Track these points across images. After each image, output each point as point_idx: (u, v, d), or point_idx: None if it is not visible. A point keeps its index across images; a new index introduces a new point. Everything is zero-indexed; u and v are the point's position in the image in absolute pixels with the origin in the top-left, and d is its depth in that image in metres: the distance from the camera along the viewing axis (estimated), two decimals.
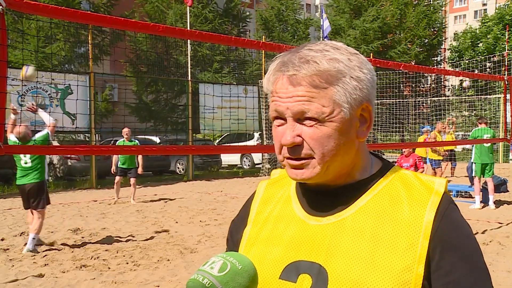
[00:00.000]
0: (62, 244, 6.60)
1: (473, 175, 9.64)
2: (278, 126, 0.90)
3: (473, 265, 0.86)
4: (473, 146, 9.98)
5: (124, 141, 10.27)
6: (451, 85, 29.95)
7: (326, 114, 0.86)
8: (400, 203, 0.89)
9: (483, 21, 31.39)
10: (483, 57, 25.53)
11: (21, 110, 11.54)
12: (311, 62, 0.86)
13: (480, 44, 29.62)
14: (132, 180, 10.48)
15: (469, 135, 20.20)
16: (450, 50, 31.42)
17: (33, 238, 6.17)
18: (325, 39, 17.75)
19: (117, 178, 10.44)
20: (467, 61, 25.89)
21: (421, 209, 0.88)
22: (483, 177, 9.52)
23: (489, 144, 9.44)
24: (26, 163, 6.28)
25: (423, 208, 0.88)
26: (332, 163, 0.89)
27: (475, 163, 9.53)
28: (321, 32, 19.27)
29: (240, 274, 0.82)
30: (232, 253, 0.85)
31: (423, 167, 10.07)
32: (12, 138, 6.18)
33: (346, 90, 0.87)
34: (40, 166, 6.36)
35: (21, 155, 6.17)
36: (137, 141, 10.78)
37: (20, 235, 7.15)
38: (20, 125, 6.37)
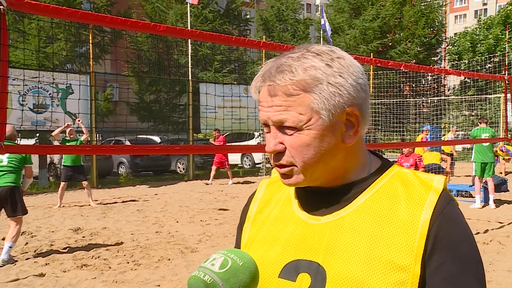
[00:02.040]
0: (63, 244, 6.62)
1: (473, 174, 9.62)
2: (267, 132, 0.93)
3: (468, 264, 0.86)
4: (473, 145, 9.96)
5: (66, 138, 9.72)
6: (453, 84, 29.95)
7: (303, 122, 0.87)
8: (398, 202, 0.89)
9: (485, 22, 31.34)
10: (483, 57, 25.52)
11: (22, 110, 11.64)
12: (286, 72, 0.87)
13: (479, 45, 29.57)
14: (85, 183, 10.00)
15: (469, 134, 20.25)
16: (448, 54, 31.42)
17: (10, 247, 5.66)
18: (330, 42, 17.79)
19: (62, 183, 9.88)
20: (467, 61, 25.88)
21: (418, 208, 0.88)
22: (484, 176, 9.51)
23: (488, 143, 9.43)
24: (1, 161, 5.64)
25: (421, 207, 0.87)
26: (315, 170, 0.90)
27: (475, 162, 9.52)
28: (321, 32, 19.28)
29: (241, 270, 0.82)
30: (233, 250, 0.86)
31: (423, 167, 10.07)
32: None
33: (323, 97, 0.87)
34: (18, 169, 5.77)
35: None
36: (81, 139, 10.00)
37: (21, 234, 7.15)
38: (7, 124, 6.09)
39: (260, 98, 0.92)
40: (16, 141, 5.98)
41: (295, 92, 0.87)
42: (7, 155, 5.56)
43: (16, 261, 5.73)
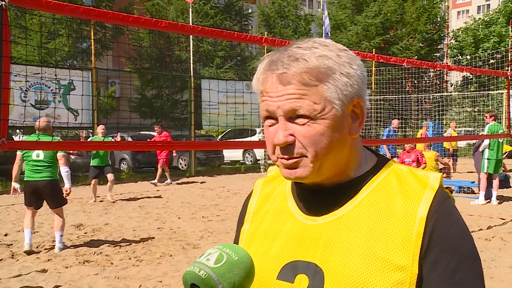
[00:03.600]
0: (65, 240, 6.63)
1: (485, 171, 9.27)
2: (270, 126, 0.89)
3: (465, 261, 0.86)
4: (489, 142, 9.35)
5: (97, 137, 10.03)
6: (455, 81, 29.88)
7: (318, 111, 0.86)
8: (395, 200, 0.89)
9: (483, 19, 31.20)
10: (486, 54, 25.42)
11: (24, 106, 11.65)
12: (300, 59, 0.86)
13: (483, 43, 29.41)
14: (110, 177, 10.04)
15: (472, 130, 20.17)
16: (450, 48, 31.30)
17: (61, 236, 6.06)
18: (326, 36, 17.76)
19: (93, 180, 10.02)
20: (469, 57, 25.80)
21: (414, 205, 0.87)
22: (496, 173, 9.31)
23: (502, 139, 9.30)
24: (38, 156, 5.91)
25: (417, 204, 0.87)
26: (325, 161, 0.88)
27: (489, 159, 9.21)
28: (323, 28, 19.21)
29: (237, 265, 0.82)
30: (228, 245, 0.85)
31: (425, 163, 10.04)
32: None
33: (337, 87, 0.87)
34: (54, 163, 6.01)
35: None
36: (111, 138, 10.48)
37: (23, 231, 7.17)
38: (40, 119, 6.16)
39: (266, 89, 0.89)
40: (51, 135, 6.19)
41: (311, 82, 0.86)
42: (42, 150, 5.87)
43: (69, 246, 6.19)
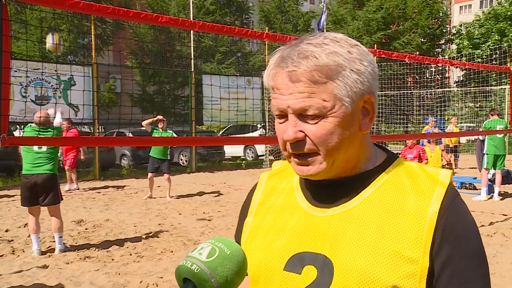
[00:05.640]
0: (66, 236, 6.62)
1: (485, 166, 9.26)
2: (281, 122, 0.91)
3: (474, 260, 0.86)
4: (485, 137, 9.41)
5: (159, 131, 9.55)
6: (457, 76, 29.79)
7: (327, 109, 0.86)
8: (406, 194, 0.89)
9: (483, 17, 31.09)
10: (489, 50, 25.33)
11: (25, 101, 11.63)
12: (310, 57, 0.86)
13: (483, 44, 29.31)
14: (166, 176, 9.91)
15: (474, 126, 20.14)
16: (446, 52, 31.24)
17: (60, 237, 5.85)
18: (318, 31, 17.66)
19: (150, 174, 9.84)
20: (467, 54, 25.71)
21: (426, 201, 0.88)
22: (496, 169, 9.30)
23: (502, 135, 9.26)
24: (40, 147, 5.72)
25: (429, 200, 0.88)
26: (337, 158, 0.89)
27: (487, 154, 9.20)
28: (317, 25, 19.09)
29: (229, 259, 0.82)
30: (220, 239, 0.85)
31: (427, 159, 10.00)
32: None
33: (346, 84, 0.87)
34: (54, 156, 5.82)
35: None
36: (172, 132, 10.02)
37: (24, 226, 7.16)
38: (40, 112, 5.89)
39: (278, 85, 0.89)
40: (49, 129, 5.94)
41: (320, 80, 0.86)
42: None
43: (69, 247, 5.95)
